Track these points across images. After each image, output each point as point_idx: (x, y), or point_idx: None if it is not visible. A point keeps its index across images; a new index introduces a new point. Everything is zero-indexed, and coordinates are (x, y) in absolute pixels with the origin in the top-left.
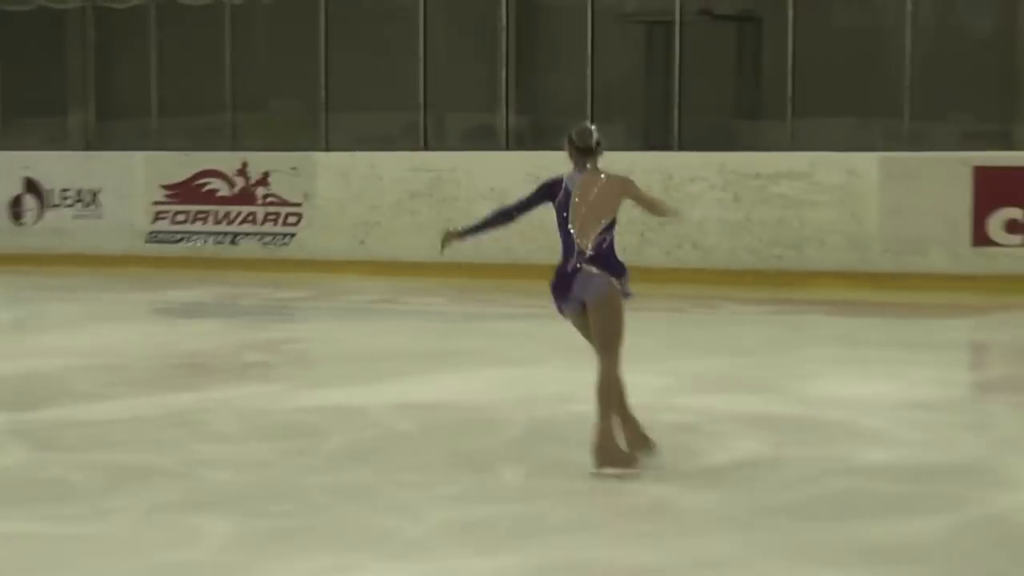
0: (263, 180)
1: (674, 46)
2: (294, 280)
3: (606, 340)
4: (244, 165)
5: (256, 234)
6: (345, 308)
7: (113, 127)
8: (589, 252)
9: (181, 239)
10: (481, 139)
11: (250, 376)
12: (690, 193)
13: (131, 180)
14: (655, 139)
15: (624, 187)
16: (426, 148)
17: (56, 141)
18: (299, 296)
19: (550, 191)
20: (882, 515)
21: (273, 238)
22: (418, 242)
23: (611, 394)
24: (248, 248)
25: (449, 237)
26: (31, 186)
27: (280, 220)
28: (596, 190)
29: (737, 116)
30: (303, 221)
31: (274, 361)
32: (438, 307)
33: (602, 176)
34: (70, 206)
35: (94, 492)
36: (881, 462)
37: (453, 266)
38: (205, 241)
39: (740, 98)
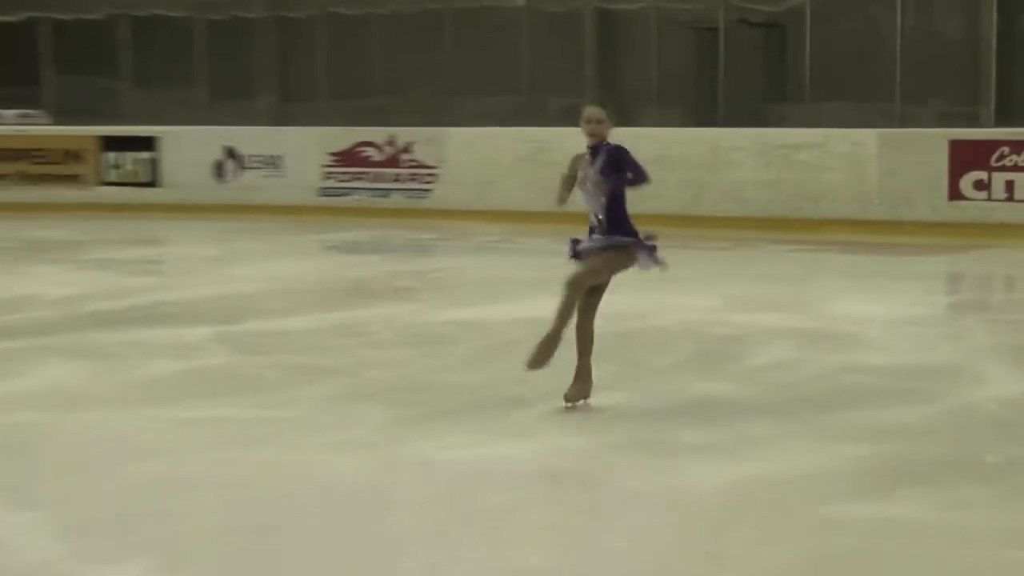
0: (407, 149)
1: (719, 47)
2: (431, 225)
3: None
4: (392, 137)
5: (402, 190)
6: (470, 247)
7: (293, 108)
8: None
9: (345, 193)
10: (572, 117)
11: (399, 297)
12: (732, 159)
13: (307, 148)
14: (704, 118)
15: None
16: (530, 124)
17: (249, 119)
18: (435, 237)
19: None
20: (882, 404)
21: (415, 193)
22: (525, 196)
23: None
24: (396, 200)
25: (567, 183)
26: (231, 153)
27: (420, 179)
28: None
29: (767, 100)
30: (438, 180)
31: (417, 286)
32: (541, 245)
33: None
34: (260, 168)
35: (281, 385)
36: (880, 364)
37: (552, 214)
38: (363, 195)
39: (769, 87)
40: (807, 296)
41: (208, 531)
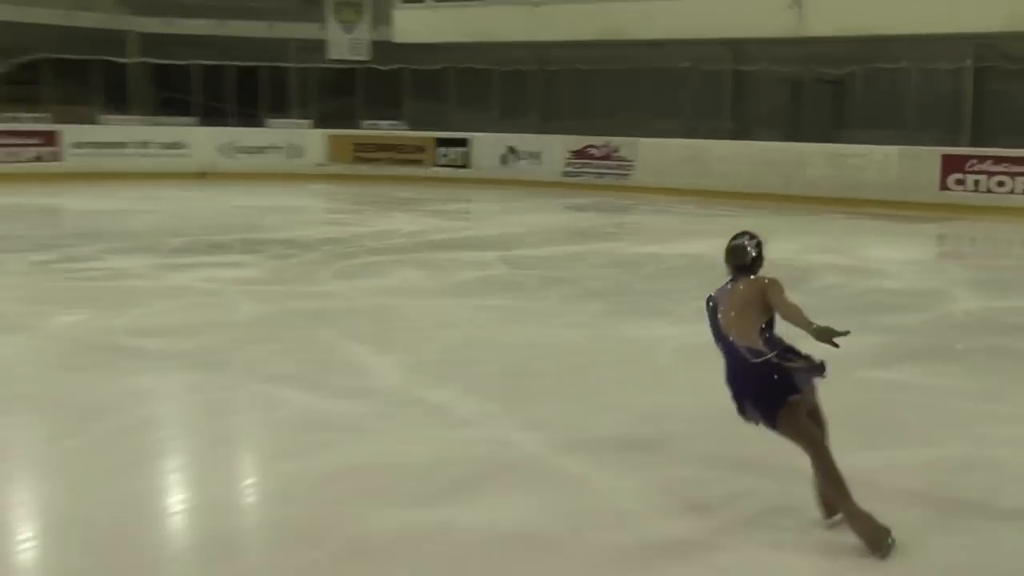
0: (616, 149)
1: (803, 94)
2: (629, 196)
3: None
4: (607, 142)
5: (611, 174)
6: (652, 209)
7: (549, 123)
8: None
9: (577, 175)
10: (715, 135)
11: (607, 238)
12: (811, 162)
13: (555, 148)
14: (795, 136)
15: (763, 288)
16: (688, 137)
17: (522, 129)
18: (631, 203)
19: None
20: (893, 312)
21: (619, 176)
22: (685, 180)
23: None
24: (608, 180)
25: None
26: (511, 150)
27: (623, 168)
28: (739, 293)
29: (832, 127)
30: (633, 168)
31: (619, 232)
32: (693, 210)
33: (746, 281)
34: (527, 159)
35: (536, 288)
36: (893, 288)
37: (701, 191)
38: (588, 176)
39: (834, 119)
40: (851, 245)
41: (492, 373)
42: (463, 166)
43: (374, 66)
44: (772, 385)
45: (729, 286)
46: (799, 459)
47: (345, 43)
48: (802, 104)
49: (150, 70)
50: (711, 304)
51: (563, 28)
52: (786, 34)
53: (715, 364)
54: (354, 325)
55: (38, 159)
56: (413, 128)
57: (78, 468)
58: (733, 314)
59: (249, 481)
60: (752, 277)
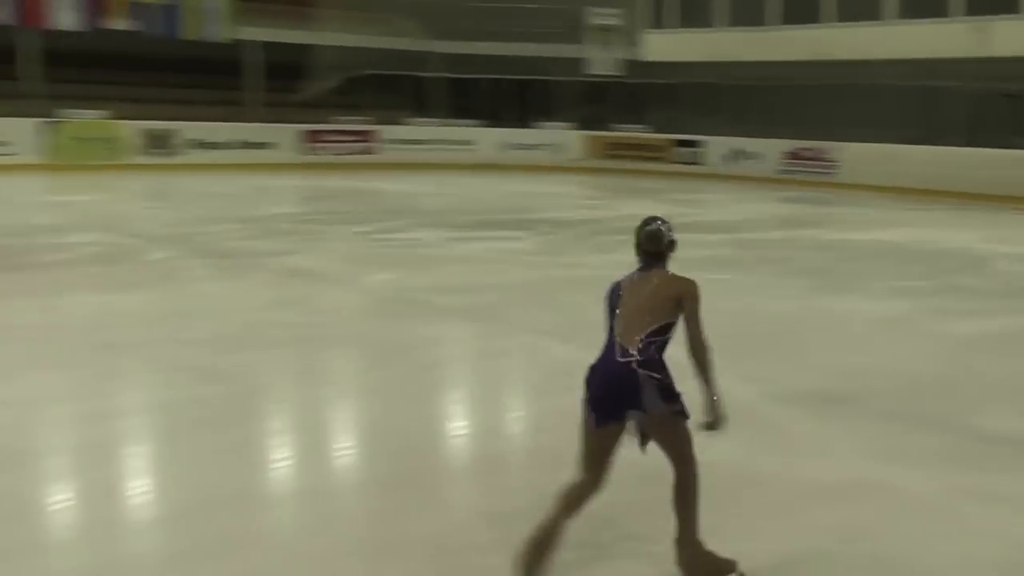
0: (823, 151)
1: (986, 106)
2: (832, 190)
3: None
4: (816, 146)
5: (819, 172)
6: (853, 203)
7: (769, 130)
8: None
9: (790, 173)
10: (915, 139)
11: (814, 226)
12: (994, 165)
13: (773, 150)
14: (977, 142)
15: (680, 294)
16: (882, 142)
17: (745, 133)
18: (835, 197)
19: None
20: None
21: (826, 174)
22: (877, 177)
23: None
24: (816, 176)
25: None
26: (737, 152)
27: (829, 167)
28: (649, 288)
29: (1013, 135)
30: (838, 168)
31: (824, 221)
32: (886, 204)
33: (663, 276)
34: (750, 159)
35: (753, 265)
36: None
37: (891, 188)
38: (799, 174)
39: (1015, 126)
40: (1022, 237)
41: (715, 334)
42: (696, 163)
43: (624, 79)
44: (619, 393)
45: (638, 276)
46: (967, 414)
47: (602, 61)
48: (982, 115)
49: (445, 83)
50: (616, 291)
51: (781, 50)
52: (970, 55)
53: (902, 334)
54: (603, 290)
55: (361, 152)
56: (655, 131)
57: (385, 394)
58: (634, 311)
59: (515, 413)
60: (669, 275)
